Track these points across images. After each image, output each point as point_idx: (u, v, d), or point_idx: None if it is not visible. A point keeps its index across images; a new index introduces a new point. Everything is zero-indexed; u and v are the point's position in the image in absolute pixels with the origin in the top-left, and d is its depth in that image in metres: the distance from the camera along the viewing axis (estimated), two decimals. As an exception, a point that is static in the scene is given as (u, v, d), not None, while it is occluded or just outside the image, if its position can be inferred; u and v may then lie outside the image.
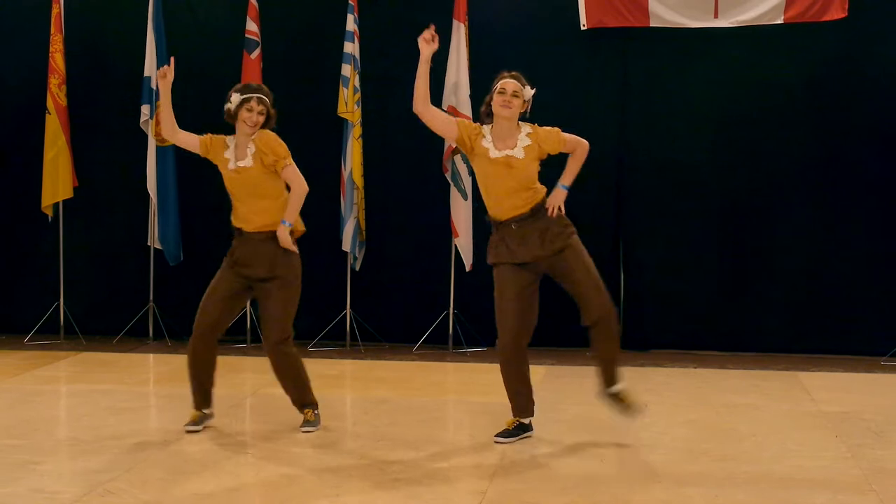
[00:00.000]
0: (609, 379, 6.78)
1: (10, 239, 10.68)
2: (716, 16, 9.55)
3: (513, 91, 6.55)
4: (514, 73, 6.68)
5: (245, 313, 10.16)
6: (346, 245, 9.87)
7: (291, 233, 6.83)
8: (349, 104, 9.79)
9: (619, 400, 6.78)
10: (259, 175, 6.79)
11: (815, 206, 9.80)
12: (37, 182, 10.17)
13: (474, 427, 7.34)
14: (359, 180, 9.86)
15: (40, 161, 10.13)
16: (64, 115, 10.11)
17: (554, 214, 6.55)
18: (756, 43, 9.73)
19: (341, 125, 9.86)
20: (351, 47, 9.82)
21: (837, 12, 9.30)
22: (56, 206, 10.24)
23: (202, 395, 7.04)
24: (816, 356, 9.68)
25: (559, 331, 9.41)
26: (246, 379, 8.93)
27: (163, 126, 6.94)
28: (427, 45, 6.65)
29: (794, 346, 9.81)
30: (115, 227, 10.69)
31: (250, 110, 6.79)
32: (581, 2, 9.68)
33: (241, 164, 6.82)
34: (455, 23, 9.68)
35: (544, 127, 6.64)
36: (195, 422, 6.96)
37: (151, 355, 9.88)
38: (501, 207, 6.61)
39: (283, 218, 6.79)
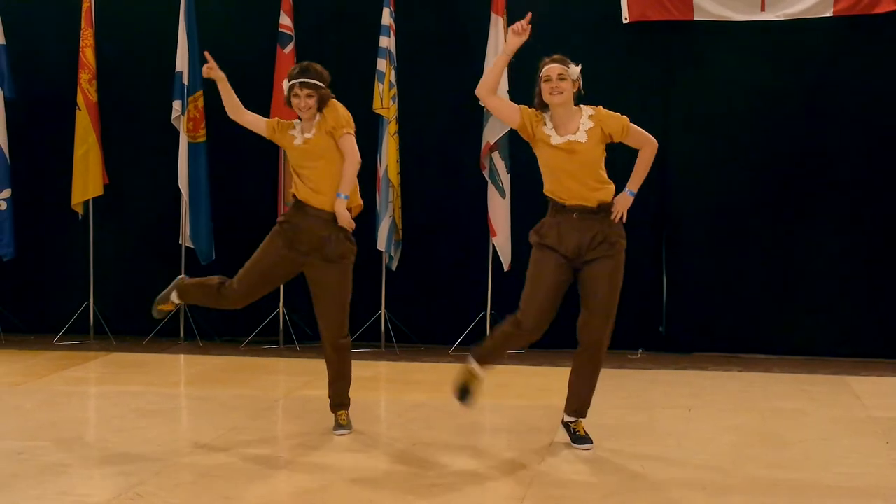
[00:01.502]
0: (575, 408, 6.74)
1: (40, 237, 10.74)
2: (763, 9, 9.49)
3: (558, 75, 6.42)
4: (555, 56, 6.54)
5: (278, 314, 10.17)
6: (382, 244, 9.87)
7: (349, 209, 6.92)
8: (385, 100, 9.79)
9: (572, 430, 6.74)
10: (324, 143, 6.85)
11: (867, 206, 9.72)
12: (66, 179, 10.22)
13: (512, 431, 7.32)
14: (394, 178, 9.86)
15: (70, 158, 10.18)
16: (94, 111, 10.16)
17: (617, 219, 6.49)
18: (804, 37, 9.66)
19: (377, 121, 9.86)
20: (387, 41, 9.82)
21: (890, 4, 9.21)
22: (86, 203, 10.28)
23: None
24: (866, 360, 9.60)
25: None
26: (279, 381, 8.95)
27: (227, 107, 7.15)
28: (516, 36, 6.51)
29: (842, 350, 9.73)
30: (146, 226, 10.74)
31: (297, 96, 6.85)
32: (623, -5, 9.67)
33: (306, 135, 6.90)
34: (493, 16, 9.66)
35: (606, 110, 6.53)
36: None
37: (182, 356, 9.91)
38: (568, 191, 6.47)
39: (339, 190, 6.87)
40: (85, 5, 10.12)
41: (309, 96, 6.84)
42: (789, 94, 9.76)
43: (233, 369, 9.31)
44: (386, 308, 10.14)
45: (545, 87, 6.43)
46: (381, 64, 9.80)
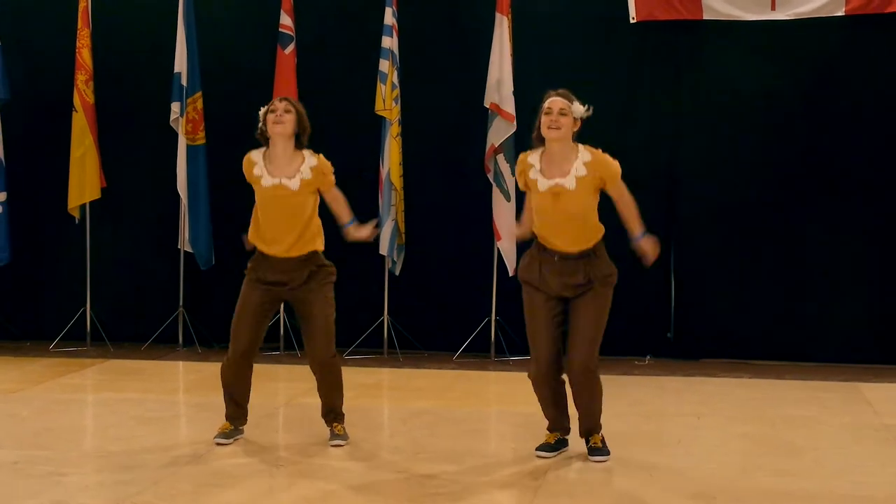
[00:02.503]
0: (584, 429, 6.65)
1: (36, 242, 10.74)
2: (773, 8, 9.49)
3: (560, 109, 6.28)
4: (560, 90, 6.40)
5: (279, 319, 10.16)
6: (384, 248, 9.85)
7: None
8: (387, 101, 9.78)
9: (588, 443, 6.64)
10: (303, 198, 6.71)
11: (880, 211, 9.71)
12: (63, 182, 10.21)
13: (517, 439, 7.30)
14: (397, 181, 9.85)
15: (67, 161, 10.17)
16: (91, 113, 10.15)
17: (650, 263, 6.48)
18: (813, 37, 9.65)
19: (379, 123, 9.85)
20: (389, 42, 9.81)
21: (904, 3, 9.23)
22: (83, 207, 10.28)
23: (236, 410, 7.01)
24: (879, 367, 9.57)
25: (604, 338, 9.39)
26: (279, 388, 8.94)
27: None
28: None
29: (854, 356, 9.71)
30: (143, 230, 10.73)
31: (273, 111, 6.69)
32: (631, -6, 9.67)
33: (282, 180, 6.71)
34: (498, 16, 9.65)
35: (600, 152, 6.36)
36: (225, 434, 6.94)
37: (181, 363, 9.90)
38: (552, 235, 6.39)
39: (347, 221, 6.85)
40: (82, 5, 10.11)
41: (287, 111, 6.70)
42: (799, 94, 9.76)
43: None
44: (389, 314, 10.12)
45: (544, 121, 6.30)
46: (384, 65, 9.79)
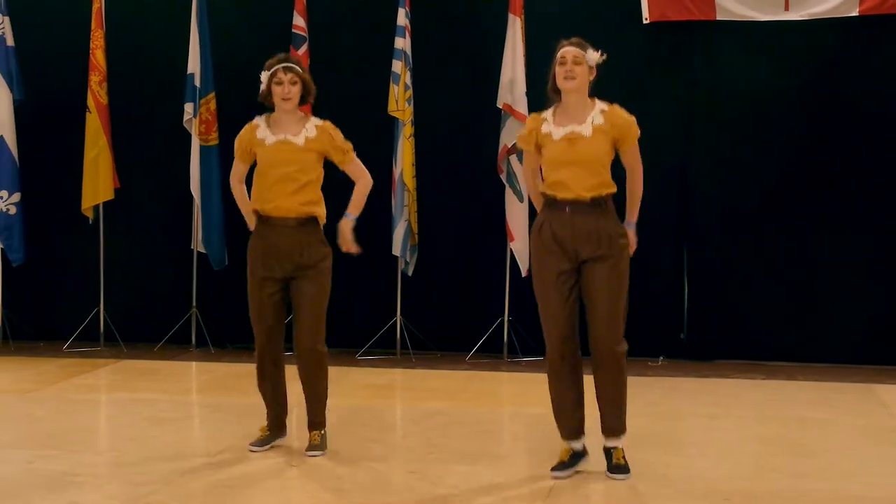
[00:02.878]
0: (608, 427, 6.26)
1: (49, 242, 10.76)
2: (786, 8, 9.48)
3: (574, 58, 6.06)
4: (573, 38, 6.17)
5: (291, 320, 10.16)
6: (397, 249, 9.87)
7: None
8: (400, 102, 9.79)
9: (609, 457, 6.28)
10: (307, 155, 6.55)
11: (891, 212, 9.68)
12: (77, 183, 10.23)
13: (530, 440, 7.31)
14: (410, 182, 9.86)
15: (80, 161, 10.19)
16: (105, 114, 10.17)
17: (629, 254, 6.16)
18: (827, 37, 9.64)
19: (392, 124, 9.86)
20: (402, 43, 9.83)
21: (918, 4, 9.22)
22: (96, 208, 10.30)
23: (277, 419, 6.91)
24: (893, 368, 9.56)
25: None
26: (291, 389, 8.89)
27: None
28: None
29: (868, 357, 9.70)
30: (157, 230, 10.75)
31: (279, 83, 6.54)
32: (644, -6, 9.67)
33: (286, 136, 6.57)
34: (511, 17, 9.66)
35: (623, 110, 6.18)
36: (260, 440, 6.83)
37: (194, 363, 9.91)
38: (562, 184, 6.08)
39: (347, 211, 6.69)
40: (95, 6, 10.14)
41: (293, 82, 6.54)
42: (812, 95, 9.74)
43: (245, 376, 9.26)
44: (401, 314, 10.13)
45: (559, 71, 6.08)
46: (397, 65, 9.80)
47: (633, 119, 6.18)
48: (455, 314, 10.36)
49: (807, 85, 9.75)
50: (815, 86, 9.73)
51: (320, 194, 6.66)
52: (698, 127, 9.93)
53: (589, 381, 6.22)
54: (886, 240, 9.72)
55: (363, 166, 6.76)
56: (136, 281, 10.76)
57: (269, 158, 6.58)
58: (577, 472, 6.27)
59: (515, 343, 9.97)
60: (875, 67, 9.64)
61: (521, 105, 9.50)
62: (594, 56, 6.13)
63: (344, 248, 6.69)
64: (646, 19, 9.71)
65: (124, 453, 6.67)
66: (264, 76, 6.63)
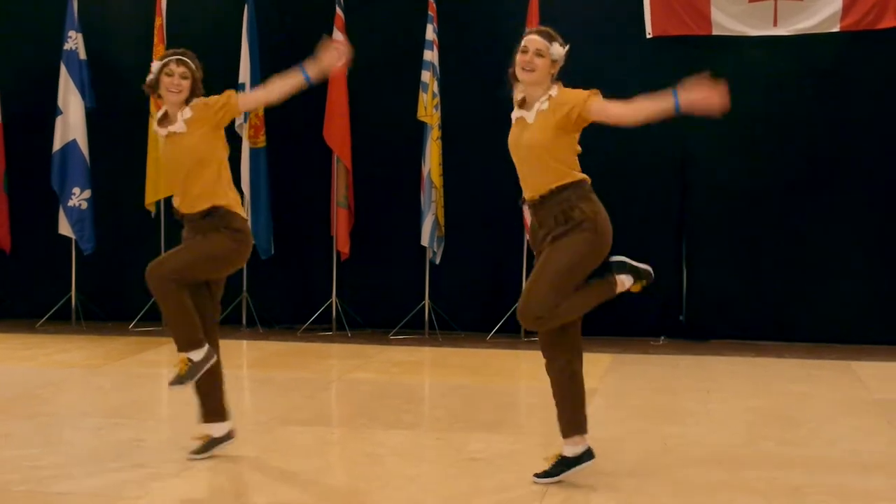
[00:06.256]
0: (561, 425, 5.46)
1: (117, 233, 10.80)
2: (775, 24, 9.44)
3: (536, 50, 5.20)
4: (542, 27, 5.37)
5: (331, 303, 10.21)
6: (425, 240, 9.88)
7: None
8: (428, 108, 9.80)
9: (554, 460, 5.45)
10: (196, 140, 5.73)
11: (871, 203, 9.65)
12: (140, 181, 10.27)
13: (545, 410, 7.28)
14: (437, 179, 9.87)
15: (144, 161, 10.23)
16: (165, 119, 10.20)
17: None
18: (814, 50, 9.60)
19: (421, 128, 9.87)
20: (430, 55, 9.83)
21: (891, 20, 9.17)
22: (158, 203, 10.34)
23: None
24: (871, 346, 9.52)
25: (623, 320, 9.41)
26: (332, 365, 8.98)
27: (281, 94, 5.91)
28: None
29: (848, 337, 9.66)
30: (211, 223, 10.76)
31: (170, 74, 5.75)
32: (647, 12, 9.62)
33: (172, 128, 5.78)
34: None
35: (574, 90, 5.21)
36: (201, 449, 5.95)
37: (244, 342, 9.93)
38: (522, 181, 5.31)
39: (297, 76, 5.74)
40: (157, 23, 10.18)
41: (184, 77, 5.74)
42: (802, 98, 9.69)
43: (290, 354, 9.35)
44: (429, 298, 10.14)
45: (519, 59, 5.25)
46: (425, 76, 9.81)
47: (582, 91, 5.21)
48: (477, 298, 10.36)
49: (797, 90, 9.70)
50: (806, 91, 9.69)
51: (221, 177, 5.85)
52: (695, 130, 9.87)
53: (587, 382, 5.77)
54: (864, 231, 9.69)
55: (253, 94, 5.76)
56: (193, 268, 10.77)
57: (164, 156, 6.01)
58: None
59: (531, 324, 9.96)
60: (857, 78, 9.60)
61: (537, 111, 9.48)
62: (558, 50, 5.25)
63: (330, 58, 5.76)
64: (649, 34, 9.68)
65: (183, 421, 6.69)
66: (155, 66, 5.87)
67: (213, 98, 5.81)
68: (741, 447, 6.24)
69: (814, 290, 9.79)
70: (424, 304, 10.14)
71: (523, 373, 8.93)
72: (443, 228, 10.01)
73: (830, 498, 5.31)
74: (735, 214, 9.88)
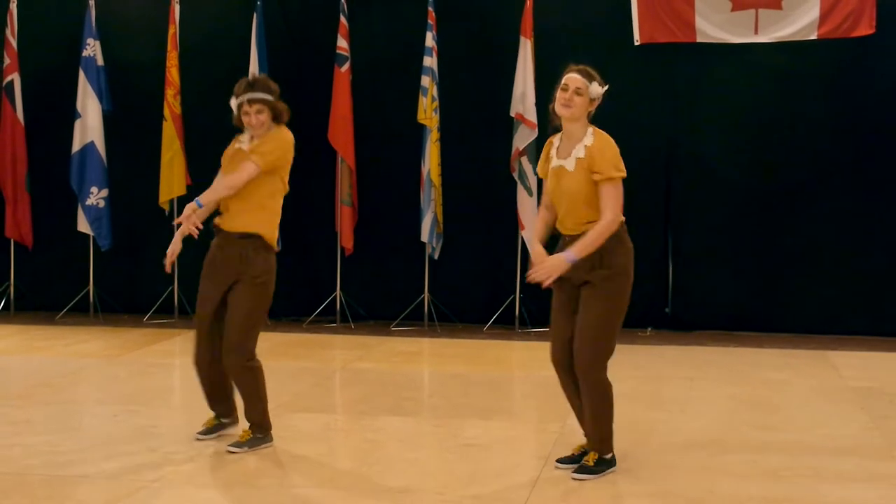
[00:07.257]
0: (587, 433, 5.52)
1: (133, 230, 10.81)
2: (756, 32, 9.45)
3: (575, 88, 5.27)
4: (581, 66, 5.39)
5: (335, 297, 10.24)
6: (425, 236, 9.90)
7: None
8: (428, 111, 9.82)
9: (580, 457, 5.51)
10: (249, 163, 5.78)
11: (847, 199, 9.67)
12: (155, 181, 10.29)
13: (539, 398, 7.35)
14: (436, 179, 9.90)
15: (158, 162, 10.25)
16: (178, 122, 10.23)
17: (536, 280, 5.23)
18: (792, 56, 9.63)
19: (421, 130, 9.90)
20: (430, 61, 9.85)
21: (865, 29, 9.20)
22: (171, 201, 10.35)
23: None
24: (845, 337, 9.55)
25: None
26: (336, 355, 9.01)
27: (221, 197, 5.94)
28: None
29: (824, 328, 9.70)
30: (222, 220, 10.78)
31: (247, 114, 5.81)
32: (635, 20, 9.63)
33: (239, 144, 5.95)
34: (522, 39, 9.66)
35: (608, 143, 5.28)
36: (208, 428, 6.10)
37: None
38: (561, 220, 5.41)
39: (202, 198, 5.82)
40: (171, 32, 10.20)
41: (259, 112, 5.77)
42: (783, 101, 9.71)
43: (296, 344, 9.37)
44: (429, 292, 10.17)
45: (559, 97, 5.31)
46: (425, 80, 9.83)
47: (610, 159, 5.25)
48: (474, 291, 10.38)
49: (779, 93, 9.72)
50: (788, 95, 9.70)
51: (263, 205, 5.97)
52: (680, 131, 9.92)
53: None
54: (839, 228, 9.71)
55: (243, 176, 5.71)
56: (202, 263, 10.77)
57: (225, 164, 6.08)
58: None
59: (525, 316, 9.99)
60: (832, 82, 9.63)
61: (531, 114, 9.51)
62: (597, 90, 5.36)
63: (179, 219, 5.95)
64: (637, 41, 9.69)
65: (194, 408, 6.71)
66: (233, 103, 5.94)
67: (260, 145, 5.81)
68: (722, 432, 6.27)
69: (792, 284, 9.82)
70: (424, 297, 10.17)
71: (517, 362, 8.96)
72: (441, 225, 10.04)
73: (806, 480, 5.35)
74: (718, 212, 9.91)
